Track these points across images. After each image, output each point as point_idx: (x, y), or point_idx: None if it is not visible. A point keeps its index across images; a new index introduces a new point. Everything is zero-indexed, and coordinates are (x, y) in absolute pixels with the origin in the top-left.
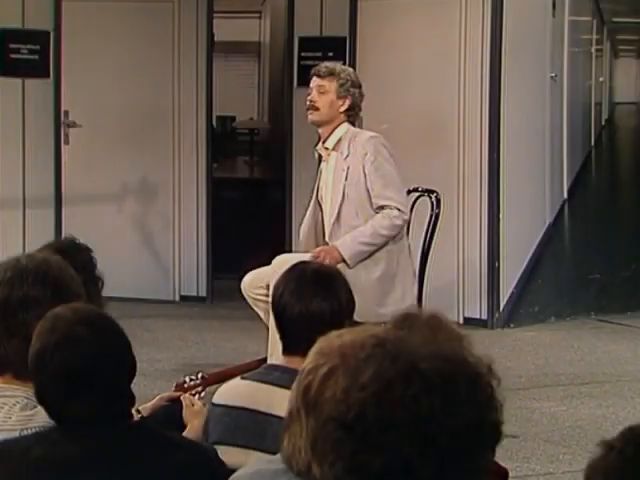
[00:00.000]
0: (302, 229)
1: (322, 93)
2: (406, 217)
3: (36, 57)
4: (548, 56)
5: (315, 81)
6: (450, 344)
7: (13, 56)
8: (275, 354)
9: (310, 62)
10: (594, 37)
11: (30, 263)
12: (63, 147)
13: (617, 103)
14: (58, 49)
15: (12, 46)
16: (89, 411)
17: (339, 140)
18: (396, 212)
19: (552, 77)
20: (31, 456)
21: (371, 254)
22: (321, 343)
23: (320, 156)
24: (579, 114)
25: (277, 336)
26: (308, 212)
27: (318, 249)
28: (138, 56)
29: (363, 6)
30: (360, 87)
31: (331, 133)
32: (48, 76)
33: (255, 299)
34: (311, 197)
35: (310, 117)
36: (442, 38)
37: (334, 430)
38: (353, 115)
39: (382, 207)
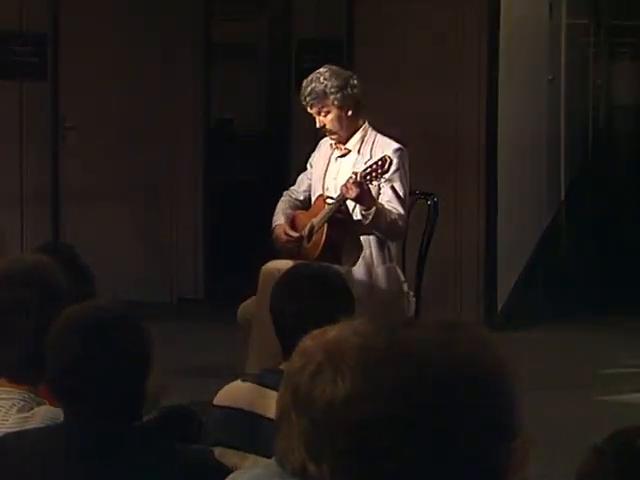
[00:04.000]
0: (281, 211)
1: (325, 116)
2: (403, 232)
3: (34, 60)
4: (545, 59)
5: (311, 109)
6: (464, 345)
7: (11, 59)
8: (248, 363)
9: (308, 65)
10: (591, 40)
11: (11, 266)
12: (61, 149)
13: (615, 106)
14: (56, 52)
15: (10, 49)
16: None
17: (361, 142)
18: (402, 222)
19: (549, 80)
20: (39, 449)
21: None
22: (305, 342)
23: (330, 145)
24: (576, 116)
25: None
26: (293, 192)
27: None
28: (136, 59)
29: (361, 9)
30: (349, 80)
31: (351, 136)
32: (46, 79)
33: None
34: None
35: (332, 139)
36: (439, 40)
37: (339, 436)
38: (361, 108)
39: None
